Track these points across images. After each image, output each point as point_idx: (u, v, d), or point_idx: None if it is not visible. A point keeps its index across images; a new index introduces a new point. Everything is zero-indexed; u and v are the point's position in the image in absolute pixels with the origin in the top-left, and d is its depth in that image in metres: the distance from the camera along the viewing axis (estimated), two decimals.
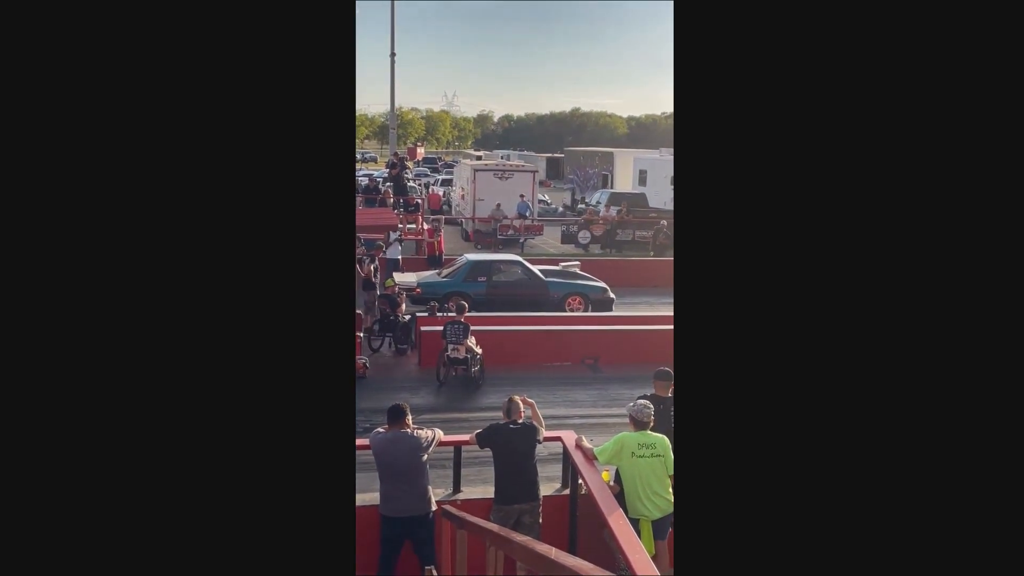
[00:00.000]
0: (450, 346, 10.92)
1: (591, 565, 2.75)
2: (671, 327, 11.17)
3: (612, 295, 15.81)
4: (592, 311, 15.37)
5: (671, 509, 5.83)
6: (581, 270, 17.02)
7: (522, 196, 25.61)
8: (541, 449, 6.31)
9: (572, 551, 5.90)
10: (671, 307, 16.72)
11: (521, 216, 25.12)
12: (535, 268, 15.93)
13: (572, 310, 15.36)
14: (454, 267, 15.88)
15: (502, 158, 43.47)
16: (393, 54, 39.71)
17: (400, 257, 17.84)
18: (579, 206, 34.06)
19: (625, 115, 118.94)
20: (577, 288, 15.82)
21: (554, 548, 3.18)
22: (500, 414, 6.36)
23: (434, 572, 5.54)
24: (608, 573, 2.67)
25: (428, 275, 15.87)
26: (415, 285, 14.76)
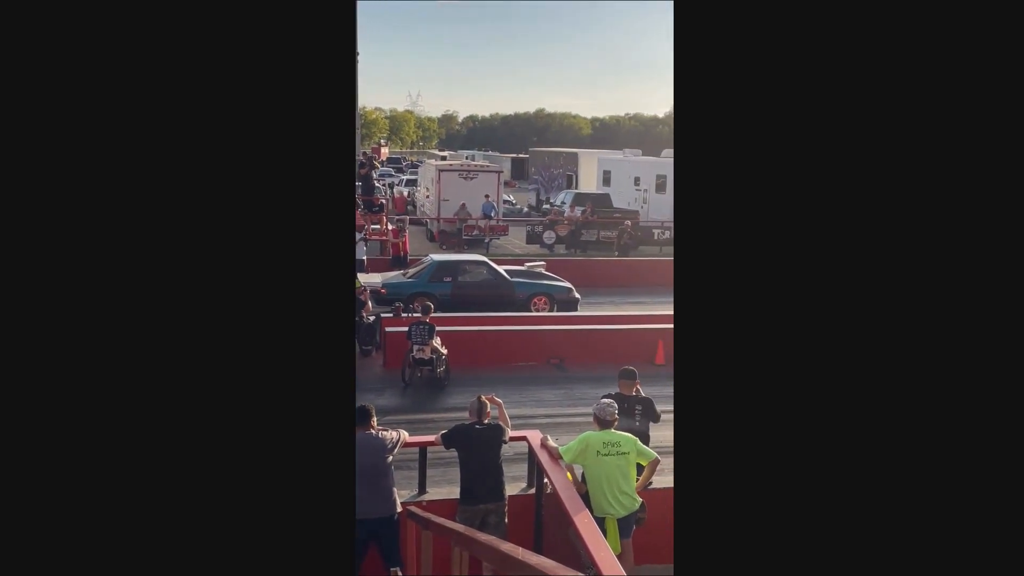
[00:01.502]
0: (415, 347, 10.88)
1: (557, 564, 2.76)
2: (636, 327, 11.27)
3: (577, 295, 15.88)
4: (557, 311, 15.42)
5: (636, 507, 5.88)
6: (546, 270, 17.06)
7: (487, 196, 25.67)
8: (507, 449, 6.32)
9: (538, 550, 5.92)
10: (636, 307, 16.91)
11: (486, 216, 25.15)
12: (500, 268, 15.91)
13: (538, 310, 15.38)
14: (419, 268, 15.78)
15: (467, 158, 43.34)
16: (356, 53, 39.41)
17: (365, 258, 17.73)
18: (544, 206, 34.15)
19: (589, 116, 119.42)
20: (542, 288, 15.84)
21: (520, 547, 3.18)
22: (466, 414, 6.36)
23: (399, 574, 5.52)
24: (574, 572, 2.69)
25: (393, 276, 15.76)
26: (380, 286, 14.65)
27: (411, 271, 15.90)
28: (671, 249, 25.02)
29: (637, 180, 30.76)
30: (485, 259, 16.71)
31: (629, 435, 6.04)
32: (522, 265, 17.44)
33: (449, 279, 15.23)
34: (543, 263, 18.12)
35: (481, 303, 14.76)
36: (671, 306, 16.59)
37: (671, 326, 13.65)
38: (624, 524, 5.83)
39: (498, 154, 57.83)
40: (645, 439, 6.59)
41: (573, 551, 5.27)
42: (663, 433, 8.26)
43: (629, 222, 25.35)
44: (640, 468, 6.03)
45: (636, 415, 6.85)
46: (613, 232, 24.69)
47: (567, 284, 16.08)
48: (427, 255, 17.34)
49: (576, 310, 15.67)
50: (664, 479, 7.04)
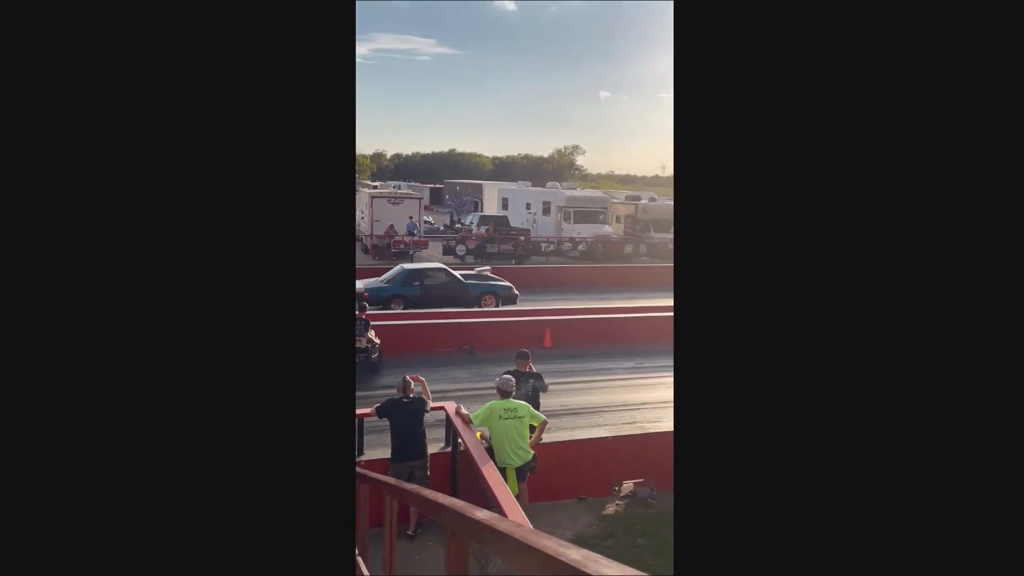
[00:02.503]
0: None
1: (468, 504, 2.73)
2: (529, 319, 11.30)
3: (516, 292, 15.77)
4: (501, 305, 15.37)
5: (530, 458, 5.94)
6: (492, 273, 16.99)
7: (411, 218, 25.47)
8: (428, 417, 6.25)
9: (453, 495, 5.87)
10: (530, 303, 17.02)
11: (410, 234, 24.87)
12: (457, 273, 15.62)
13: (487, 305, 15.23)
14: (392, 275, 15.26)
15: (394, 187, 42.68)
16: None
17: None
18: (456, 226, 34.02)
19: (491, 155, 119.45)
20: (489, 288, 15.72)
21: (440, 493, 3.13)
22: (395, 391, 6.26)
23: None
24: (482, 509, 2.66)
25: (372, 281, 15.13)
26: (363, 290, 13.93)
27: (384, 277, 15.34)
28: (557, 259, 25.46)
29: (528, 205, 31.02)
30: (444, 266, 16.30)
31: (524, 403, 6.09)
32: (473, 270, 17.21)
33: (417, 283, 14.89)
34: (489, 268, 17.98)
35: (443, 301, 14.49)
36: (557, 302, 16.80)
37: (557, 318, 13.88)
38: (520, 472, 5.88)
39: (419, 184, 56.88)
40: (536, 405, 6.68)
41: (482, 494, 5.26)
42: (552, 400, 8.36)
43: (523, 237, 25.68)
44: (532, 428, 6.10)
45: (528, 386, 6.92)
46: (510, 245, 24.91)
47: (508, 283, 15.97)
48: (396, 264, 16.85)
49: (515, 304, 15.55)
50: (553, 435, 7.12)
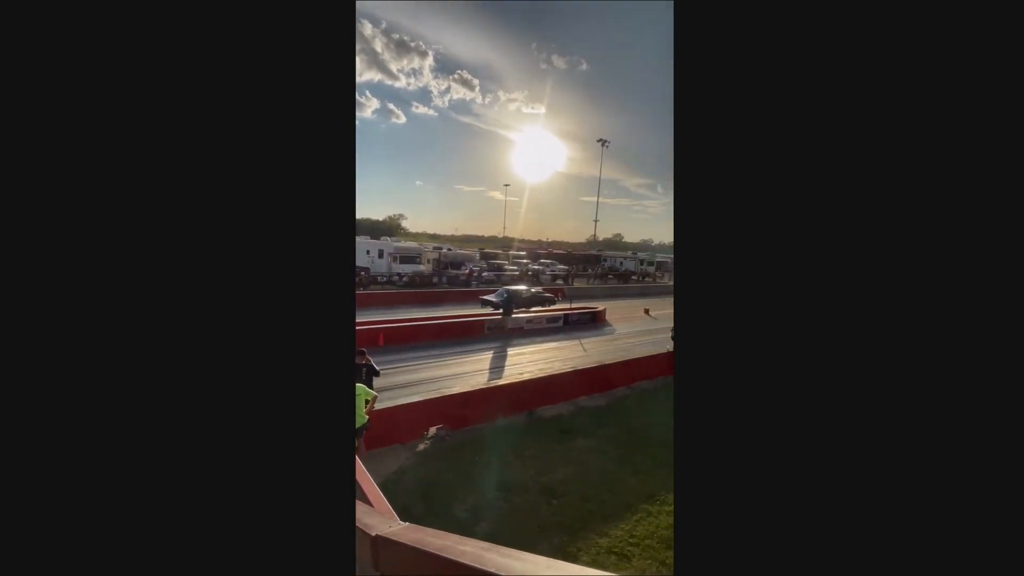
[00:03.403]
0: None
1: None
2: (369, 327, 10.79)
3: (556, 300, 17.36)
4: (547, 306, 16.70)
5: (365, 421, 5.71)
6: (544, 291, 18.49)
7: None
8: None
9: None
10: (373, 315, 16.74)
11: None
12: (533, 290, 16.90)
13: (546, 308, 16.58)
14: (501, 292, 16.11)
15: None
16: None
17: None
18: None
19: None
20: (546, 297, 17.04)
21: None
22: None
23: None
24: None
25: (492, 295, 15.95)
26: (495, 300, 15.25)
27: (497, 293, 16.09)
28: (389, 287, 24.68)
29: (368, 252, 29.73)
30: (527, 287, 17.46)
31: (361, 384, 5.84)
32: (532, 289, 18.56)
33: (515, 296, 15.92)
34: (541, 288, 20.06)
35: (528, 306, 16.07)
36: (388, 314, 16.57)
37: (387, 325, 13.49)
38: (359, 431, 5.60)
39: None
40: (371, 385, 6.45)
41: None
42: (384, 380, 8.02)
43: (364, 273, 24.74)
44: (367, 402, 5.89)
45: (363, 374, 6.65)
46: (356, 278, 23.95)
47: (552, 295, 17.34)
48: (501, 287, 17.96)
49: (555, 304, 16.93)
50: (383, 404, 6.85)
